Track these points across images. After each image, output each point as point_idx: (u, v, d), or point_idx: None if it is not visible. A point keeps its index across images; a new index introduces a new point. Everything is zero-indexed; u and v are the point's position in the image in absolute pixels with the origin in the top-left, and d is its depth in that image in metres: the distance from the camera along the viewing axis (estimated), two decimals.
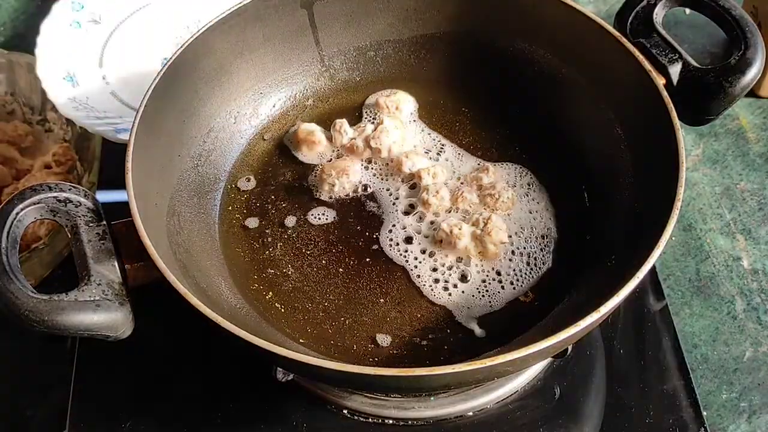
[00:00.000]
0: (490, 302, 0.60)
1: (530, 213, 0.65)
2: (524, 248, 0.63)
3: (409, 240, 0.64)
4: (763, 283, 0.71)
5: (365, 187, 0.68)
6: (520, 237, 0.64)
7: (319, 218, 0.66)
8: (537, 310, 0.60)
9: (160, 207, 0.60)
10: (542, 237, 0.64)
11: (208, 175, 0.68)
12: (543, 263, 0.62)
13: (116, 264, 0.51)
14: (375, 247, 0.64)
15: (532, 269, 0.62)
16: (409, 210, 0.66)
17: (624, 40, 0.62)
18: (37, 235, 0.69)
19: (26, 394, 0.66)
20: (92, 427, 0.63)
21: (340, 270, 0.63)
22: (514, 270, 0.62)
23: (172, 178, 0.63)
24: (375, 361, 0.58)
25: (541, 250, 0.63)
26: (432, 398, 0.62)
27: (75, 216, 0.53)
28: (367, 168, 0.69)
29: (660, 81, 0.59)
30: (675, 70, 0.61)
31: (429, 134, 0.72)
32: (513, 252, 0.63)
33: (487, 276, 0.62)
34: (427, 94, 0.75)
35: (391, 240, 0.64)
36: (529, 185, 0.67)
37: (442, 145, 0.71)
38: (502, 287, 0.61)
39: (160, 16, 0.90)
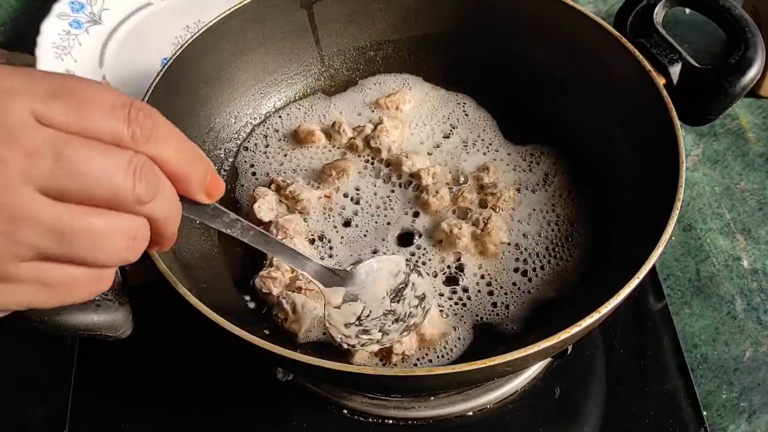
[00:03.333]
0: (489, 302, 0.60)
1: (531, 213, 0.65)
2: (525, 249, 0.63)
3: (408, 240, 0.64)
4: (763, 283, 0.71)
5: (365, 186, 0.68)
6: (521, 238, 0.64)
7: (319, 218, 0.66)
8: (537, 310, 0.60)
9: None
10: (543, 238, 0.64)
11: None
12: (545, 263, 0.62)
13: None
14: (374, 247, 0.64)
15: (533, 270, 0.62)
16: (409, 210, 0.66)
17: (624, 40, 0.62)
18: None
19: (26, 394, 0.66)
20: (92, 427, 0.63)
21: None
22: (513, 270, 0.62)
23: None
24: (375, 361, 0.58)
25: (543, 250, 0.63)
26: (432, 398, 0.62)
27: None
28: (366, 168, 0.69)
29: (660, 81, 0.59)
30: (675, 70, 0.61)
31: (454, 96, 0.74)
32: (518, 252, 0.63)
33: (487, 277, 0.61)
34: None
35: (390, 240, 0.64)
36: (528, 185, 0.67)
37: (464, 105, 0.72)
38: (495, 290, 0.61)
39: (160, 16, 0.90)
